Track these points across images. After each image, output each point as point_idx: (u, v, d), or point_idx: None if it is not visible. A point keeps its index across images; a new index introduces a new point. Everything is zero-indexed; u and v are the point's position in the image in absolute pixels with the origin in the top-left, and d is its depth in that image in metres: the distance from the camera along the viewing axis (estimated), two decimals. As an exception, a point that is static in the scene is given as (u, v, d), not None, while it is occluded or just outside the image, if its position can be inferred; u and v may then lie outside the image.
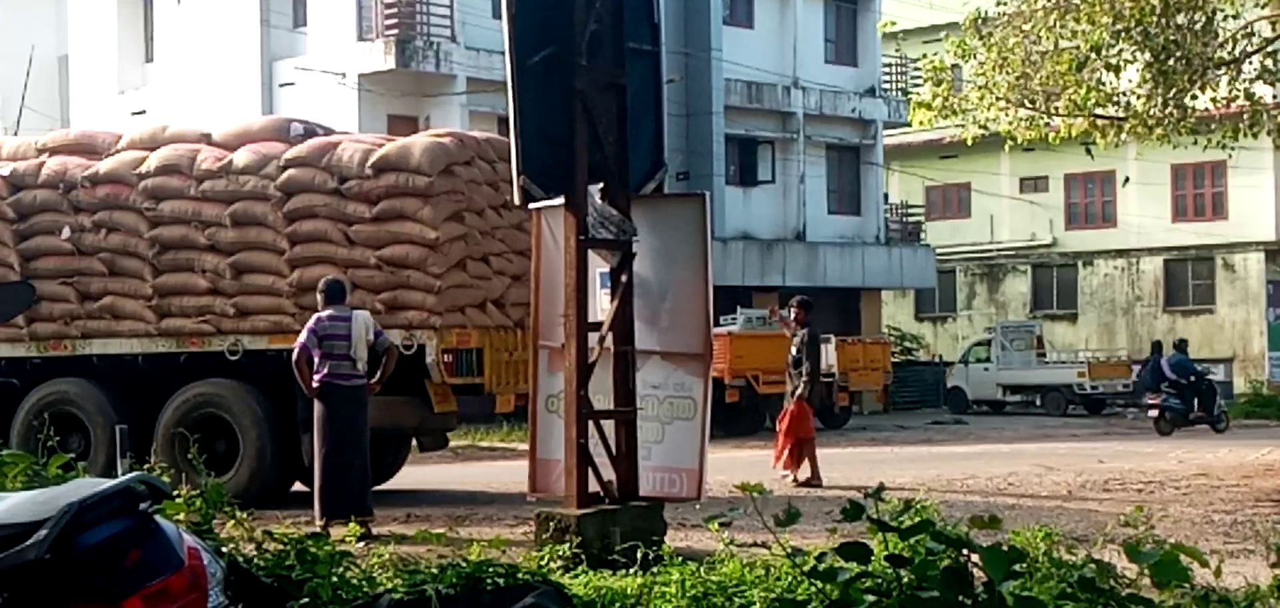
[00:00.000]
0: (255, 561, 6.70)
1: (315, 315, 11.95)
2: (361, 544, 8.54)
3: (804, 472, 16.09)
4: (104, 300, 14.78)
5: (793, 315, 16.75)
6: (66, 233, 14.84)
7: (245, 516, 7.42)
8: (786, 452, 16.19)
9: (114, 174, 14.80)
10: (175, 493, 6.80)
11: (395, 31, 29.38)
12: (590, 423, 9.57)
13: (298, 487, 14.53)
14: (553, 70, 9.51)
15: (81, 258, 14.84)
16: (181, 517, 6.77)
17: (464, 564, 6.53)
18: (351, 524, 9.46)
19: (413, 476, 16.14)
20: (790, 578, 6.67)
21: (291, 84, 30.77)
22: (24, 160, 15.36)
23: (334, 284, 12.08)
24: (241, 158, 14.38)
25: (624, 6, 9.80)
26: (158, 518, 4.75)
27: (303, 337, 11.84)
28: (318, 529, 9.38)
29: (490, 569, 6.47)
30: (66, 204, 14.90)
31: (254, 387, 14.20)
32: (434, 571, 6.51)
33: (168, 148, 14.77)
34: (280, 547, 6.75)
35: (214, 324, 14.36)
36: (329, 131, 15.47)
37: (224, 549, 6.51)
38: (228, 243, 14.30)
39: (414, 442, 15.76)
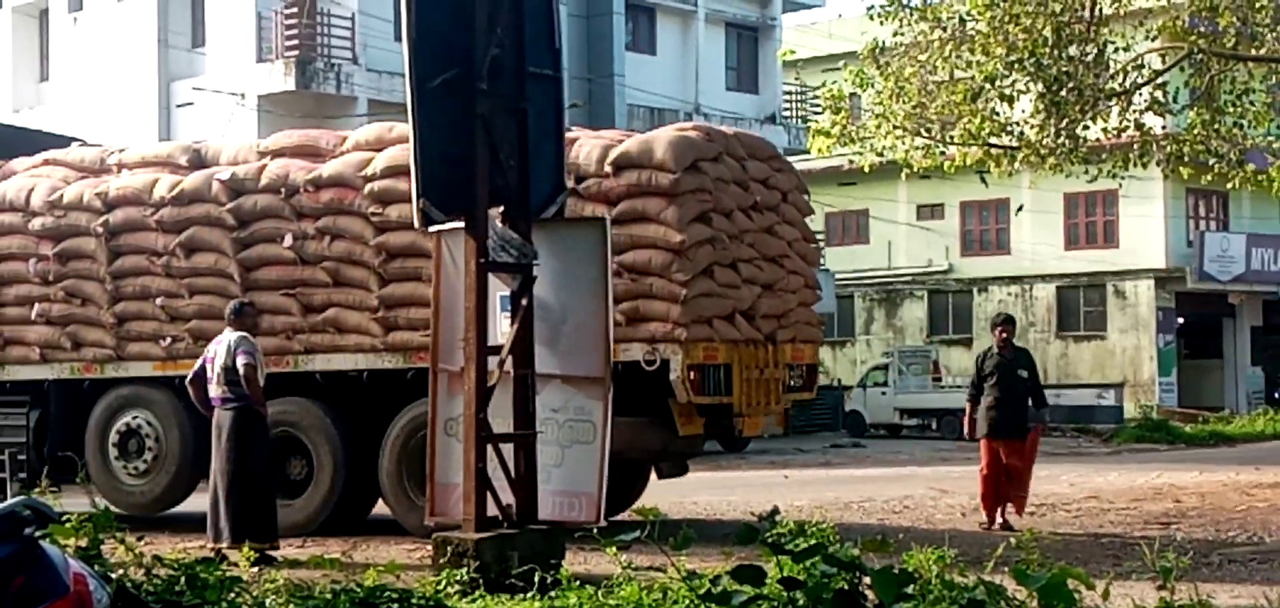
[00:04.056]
0: (144, 586, 6.60)
1: None
2: (254, 570, 8.44)
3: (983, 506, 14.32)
4: (327, 313, 13.57)
5: (998, 338, 14.40)
6: (288, 240, 13.67)
7: (134, 541, 7.31)
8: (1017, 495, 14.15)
9: (338, 177, 13.59)
10: (63, 517, 6.68)
11: (295, 52, 29.15)
12: (489, 447, 9.55)
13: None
14: (454, 93, 9.50)
15: (304, 268, 13.65)
16: (69, 542, 6.66)
17: (358, 590, 6.48)
18: (246, 549, 9.36)
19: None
20: (687, 601, 6.70)
21: (190, 104, 30.42)
22: (245, 164, 14.21)
23: (232, 307, 12.09)
24: None
25: (525, 31, 9.82)
26: (43, 543, 4.66)
27: (198, 362, 11.91)
28: (209, 554, 9.26)
29: (385, 594, 6.43)
30: (289, 210, 13.71)
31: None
32: (328, 596, 6.45)
33: (395, 148, 13.39)
34: (170, 572, 6.66)
35: None
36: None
37: (112, 575, 6.41)
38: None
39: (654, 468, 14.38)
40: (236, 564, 9.27)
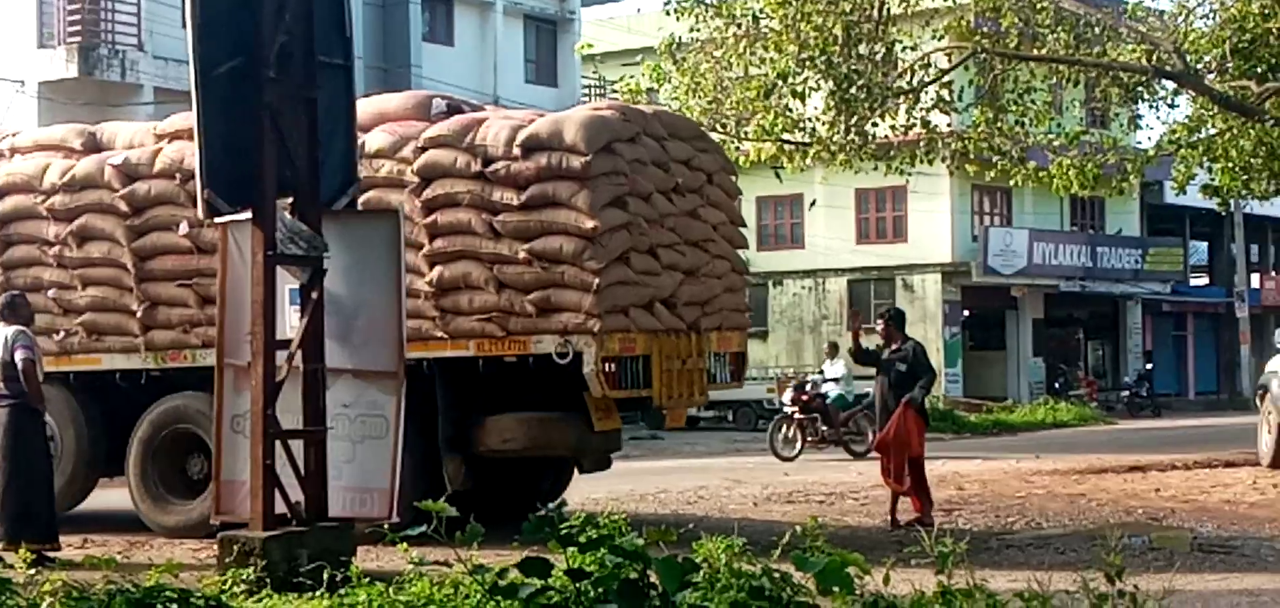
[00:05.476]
0: (-91, 592, 6.33)
1: None
2: (31, 571, 8.16)
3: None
4: None
5: (880, 331, 14.11)
6: (184, 228, 12.87)
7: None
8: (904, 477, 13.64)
9: None
10: None
11: (78, 39, 28.23)
12: (278, 443, 9.38)
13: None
14: (239, 82, 9.31)
15: (200, 257, 12.81)
16: None
17: (134, 590, 6.31)
18: (22, 550, 9.06)
19: (98, 498, 15.17)
20: (477, 596, 6.67)
21: (-35, 90, 29.21)
22: (139, 148, 13.36)
23: (4, 299, 11.60)
24: (375, 140, 12.60)
25: (315, 19, 9.65)
26: None
27: None
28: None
29: (163, 595, 6.27)
30: (184, 196, 12.76)
31: None
32: (103, 597, 6.26)
33: None
34: (-64, 576, 6.40)
35: None
36: (477, 108, 13.67)
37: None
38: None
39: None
40: (12, 566, 8.95)
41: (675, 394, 12.88)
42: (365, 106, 13.39)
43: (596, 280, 11.95)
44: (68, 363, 13.50)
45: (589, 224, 11.96)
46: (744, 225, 14.55)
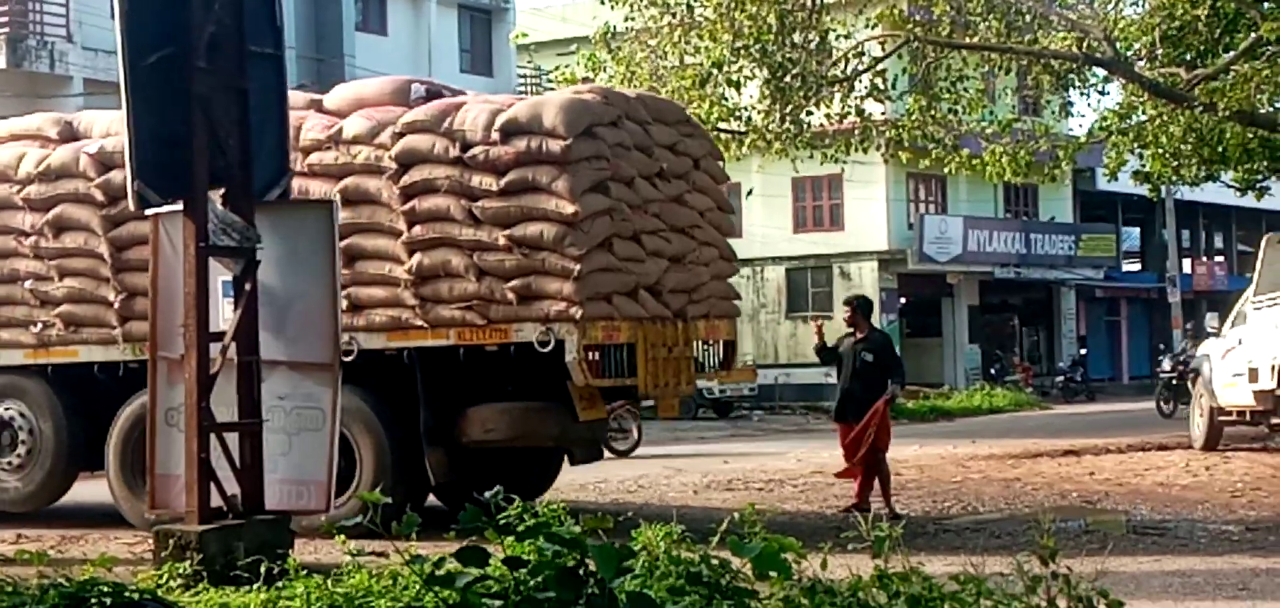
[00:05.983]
0: None
1: None
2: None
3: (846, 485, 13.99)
4: None
5: (846, 318, 13.88)
6: None
7: None
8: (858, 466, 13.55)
9: None
10: None
11: (6, 30, 27.86)
12: (213, 436, 9.31)
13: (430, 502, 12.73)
14: (169, 72, 9.24)
15: None
16: None
17: (68, 585, 6.24)
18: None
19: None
20: (417, 587, 6.64)
21: (-111, 83, 28.74)
22: (115, 136, 12.85)
23: None
24: (352, 126, 12.39)
25: (245, 9, 9.58)
26: None
27: None
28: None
29: (96, 589, 6.21)
30: None
31: (371, 393, 12.04)
32: (35, 592, 6.19)
33: None
34: None
35: None
36: (456, 93, 13.37)
37: None
38: (339, 226, 11.66)
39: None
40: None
41: (662, 383, 12.56)
42: (343, 92, 13.33)
43: (578, 267, 11.69)
44: (46, 355, 13.36)
45: (569, 209, 11.69)
46: (732, 211, 14.22)
